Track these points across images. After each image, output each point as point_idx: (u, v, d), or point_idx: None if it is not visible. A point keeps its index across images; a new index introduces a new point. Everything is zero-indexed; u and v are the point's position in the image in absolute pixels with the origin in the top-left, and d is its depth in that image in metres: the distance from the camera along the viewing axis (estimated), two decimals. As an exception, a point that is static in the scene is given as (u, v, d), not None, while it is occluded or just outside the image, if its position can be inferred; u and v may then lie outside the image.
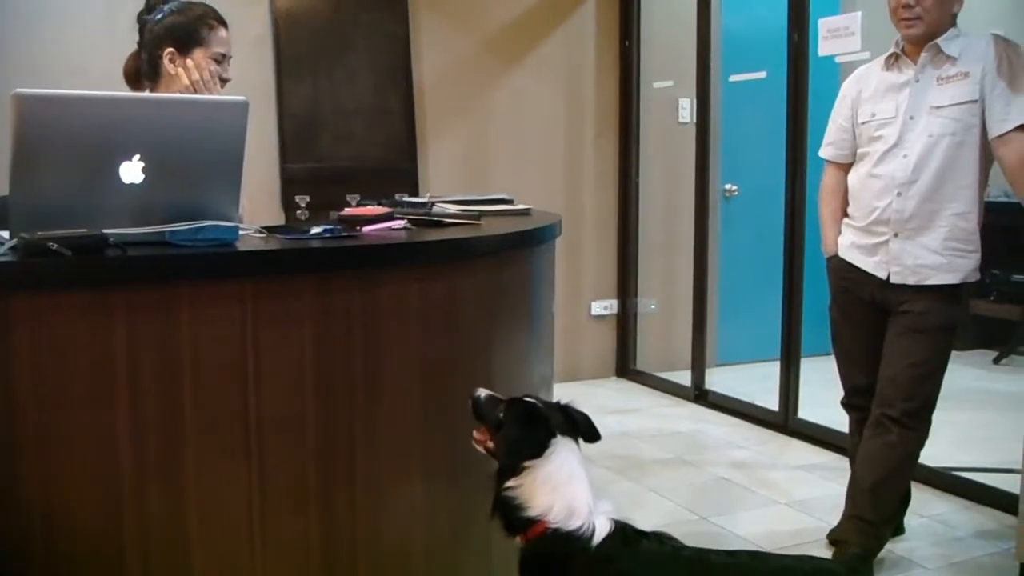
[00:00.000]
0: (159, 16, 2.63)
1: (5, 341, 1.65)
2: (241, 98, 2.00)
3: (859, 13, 4.14)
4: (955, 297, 2.98)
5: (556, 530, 1.88)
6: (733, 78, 5.56)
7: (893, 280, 3.00)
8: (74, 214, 1.79)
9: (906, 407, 2.98)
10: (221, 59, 2.66)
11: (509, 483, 1.94)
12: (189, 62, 2.59)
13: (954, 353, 3.06)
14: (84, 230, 1.75)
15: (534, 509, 1.91)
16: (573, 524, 1.88)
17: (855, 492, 3.15)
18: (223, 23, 2.68)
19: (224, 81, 2.66)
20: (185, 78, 2.58)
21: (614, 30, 5.87)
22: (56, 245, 1.67)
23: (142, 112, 1.93)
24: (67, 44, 4.39)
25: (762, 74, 5.27)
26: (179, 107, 2.04)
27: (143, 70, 2.66)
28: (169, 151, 1.89)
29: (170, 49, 2.60)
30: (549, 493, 1.91)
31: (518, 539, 1.95)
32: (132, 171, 1.85)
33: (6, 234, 1.82)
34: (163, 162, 1.88)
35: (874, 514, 3.08)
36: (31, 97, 1.74)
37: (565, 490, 1.91)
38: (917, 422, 3.02)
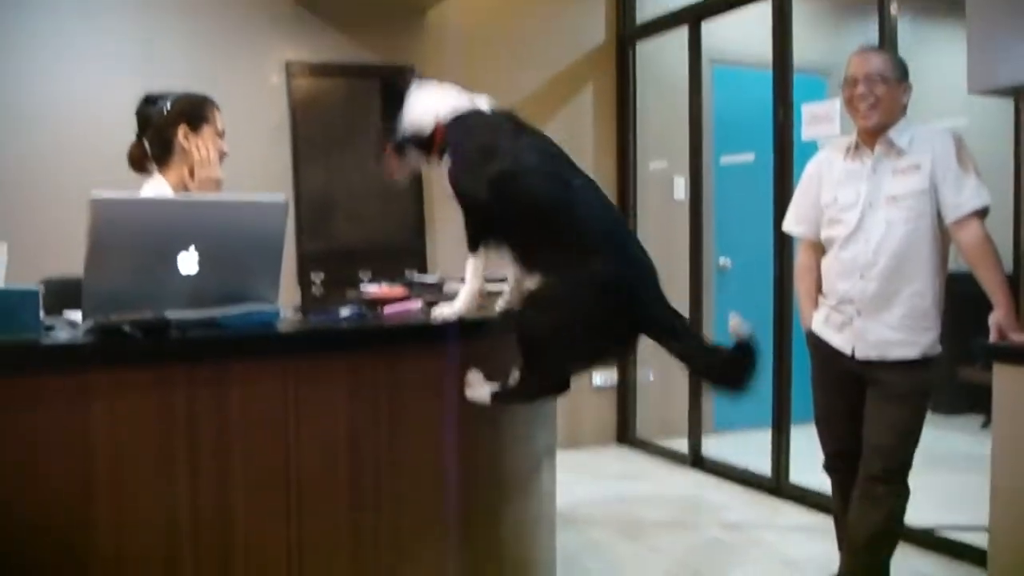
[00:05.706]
0: (168, 103, 2.99)
1: (85, 410, 1.91)
2: (281, 198, 2.27)
3: (837, 100, 4.42)
4: (919, 368, 3.16)
5: None
6: (724, 160, 5.87)
7: (858, 356, 3.20)
8: (138, 299, 2.05)
9: (888, 466, 3.15)
10: (221, 135, 3.04)
11: None
12: (200, 140, 2.96)
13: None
14: (149, 313, 2.01)
15: None
16: None
17: (850, 552, 3.27)
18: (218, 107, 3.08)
19: (222, 155, 3.03)
20: (196, 153, 2.94)
21: (611, 114, 6.20)
22: (129, 327, 1.94)
23: (198, 212, 2.22)
24: (75, 90, 4.43)
25: (750, 156, 5.59)
26: (229, 208, 2.32)
27: (153, 152, 2.98)
28: (220, 245, 2.16)
29: (184, 127, 2.96)
30: None
31: None
32: (189, 262, 2.12)
33: (77, 315, 2.08)
34: (215, 254, 2.15)
35: (868, 571, 3.21)
36: (105, 202, 2.02)
37: None
38: (898, 478, 3.17)
